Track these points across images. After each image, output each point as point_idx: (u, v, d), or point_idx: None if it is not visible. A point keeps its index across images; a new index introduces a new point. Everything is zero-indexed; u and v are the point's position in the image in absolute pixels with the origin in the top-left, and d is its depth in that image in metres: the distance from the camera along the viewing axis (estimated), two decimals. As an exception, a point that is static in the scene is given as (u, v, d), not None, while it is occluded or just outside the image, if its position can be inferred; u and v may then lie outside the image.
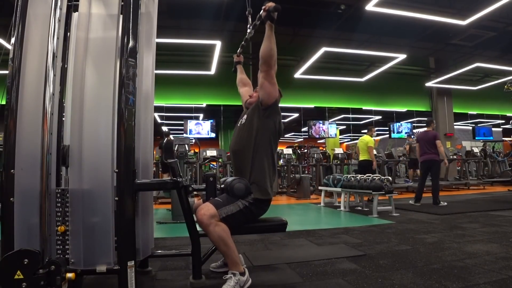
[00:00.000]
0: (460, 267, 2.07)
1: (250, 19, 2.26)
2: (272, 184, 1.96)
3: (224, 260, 2.07)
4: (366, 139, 6.38)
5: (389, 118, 12.22)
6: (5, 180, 1.46)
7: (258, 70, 1.95)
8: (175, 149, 5.78)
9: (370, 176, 4.76)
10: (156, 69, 2.14)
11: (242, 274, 1.74)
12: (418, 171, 9.26)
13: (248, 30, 2.23)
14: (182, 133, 9.86)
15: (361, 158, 6.46)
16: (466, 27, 7.52)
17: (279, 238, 3.13)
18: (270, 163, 1.96)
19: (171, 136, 7.34)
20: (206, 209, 1.74)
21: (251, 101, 2.11)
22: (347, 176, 5.36)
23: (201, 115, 12.24)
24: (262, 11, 1.85)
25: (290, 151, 9.89)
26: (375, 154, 6.59)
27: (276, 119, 2.00)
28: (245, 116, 2.07)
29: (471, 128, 12.58)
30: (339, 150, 9.30)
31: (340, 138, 17.97)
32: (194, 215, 1.85)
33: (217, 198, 1.85)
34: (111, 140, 1.59)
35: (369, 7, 6.31)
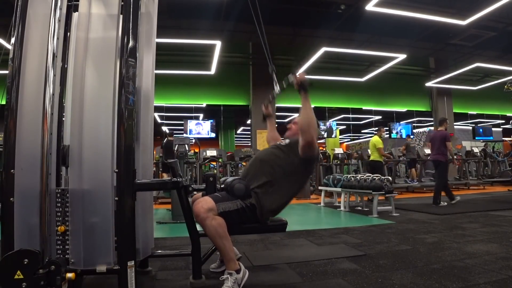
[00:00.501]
0: (460, 267, 2.07)
1: (274, 76, 2.24)
2: (274, 211, 1.96)
3: (221, 257, 2.07)
4: (373, 140, 6.54)
5: (389, 118, 12.23)
6: (5, 180, 1.46)
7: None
8: (175, 149, 5.78)
9: (370, 176, 4.77)
10: (156, 69, 2.14)
11: (238, 271, 1.73)
12: (415, 171, 9.29)
13: (276, 91, 2.20)
14: (182, 133, 9.87)
15: (371, 158, 6.62)
16: (466, 27, 7.52)
17: (279, 238, 3.13)
18: (286, 198, 1.98)
19: (173, 137, 7.34)
20: (204, 202, 1.74)
21: (291, 135, 2.18)
22: (347, 176, 5.36)
23: (201, 115, 12.24)
24: (293, 77, 1.90)
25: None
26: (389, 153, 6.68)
27: (310, 171, 2.07)
28: (287, 141, 2.10)
29: (471, 128, 12.58)
30: (339, 150, 9.29)
31: (340, 138, 17.96)
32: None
33: (217, 194, 1.86)
34: (111, 140, 1.59)
35: (369, 7, 6.31)
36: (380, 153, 6.42)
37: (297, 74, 1.89)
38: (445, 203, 5.34)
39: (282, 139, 2.19)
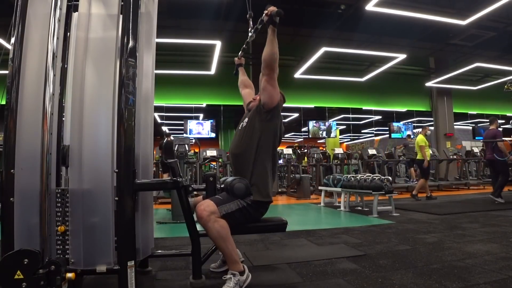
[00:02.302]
0: (460, 267, 2.07)
1: (251, 22, 2.24)
2: (272, 186, 1.96)
3: (222, 258, 2.07)
4: (417, 139, 6.69)
5: (389, 118, 12.23)
6: (5, 180, 1.46)
7: (260, 73, 1.95)
8: (175, 149, 5.78)
9: (370, 176, 4.77)
10: (156, 69, 2.13)
11: (242, 273, 1.74)
12: (415, 171, 9.30)
13: (250, 34, 2.21)
14: (182, 133, 9.87)
15: (417, 157, 6.74)
16: (466, 27, 7.52)
17: (279, 238, 3.13)
18: (271, 166, 1.96)
19: (172, 137, 7.34)
20: (206, 205, 1.74)
21: (253, 105, 2.11)
22: (347, 176, 5.36)
23: (201, 115, 12.24)
24: (264, 15, 1.84)
25: (290, 151, 9.90)
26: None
27: (278, 122, 2.00)
28: (246, 119, 2.07)
29: (471, 128, 12.58)
30: (339, 150, 9.29)
31: (340, 138, 17.97)
32: (194, 213, 1.85)
33: (217, 196, 1.86)
34: (111, 140, 1.59)
35: (369, 7, 6.31)
36: (421, 152, 6.45)
37: (268, 8, 1.82)
38: (503, 201, 5.31)
39: (242, 121, 2.14)
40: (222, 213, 1.75)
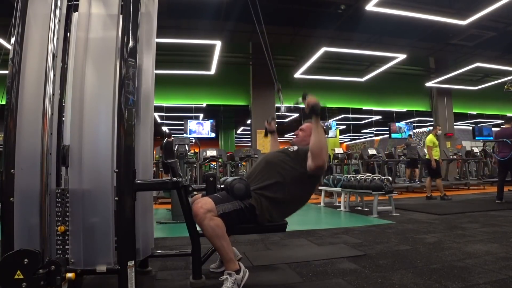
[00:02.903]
0: (460, 267, 2.07)
1: (281, 95, 2.25)
2: (273, 215, 1.94)
3: (221, 257, 2.07)
4: (426, 139, 6.58)
5: (389, 118, 12.23)
6: (5, 180, 1.46)
7: (295, 136, 2.02)
8: (175, 149, 5.78)
9: (370, 176, 4.76)
10: (156, 69, 2.13)
11: (238, 271, 1.73)
12: (417, 171, 9.29)
13: (281, 109, 2.23)
14: (182, 133, 9.87)
15: (426, 156, 6.68)
16: (466, 27, 7.52)
17: (279, 238, 3.13)
18: (289, 205, 1.99)
19: (172, 137, 7.33)
20: (203, 203, 1.73)
21: (297, 142, 2.18)
22: (347, 176, 5.36)
23: (201, 115, 12.24)
24: (304, 102, 1.88)
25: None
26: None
27: (316, 183, 2.07)
28: (296, 148, 2.10)
29: (471, 128, 12.58)
30: (339, 150, 9.29)
31: (340, 138, 17.96)
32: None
33: (217, 194, 1.85)
34: (111, 140, 1.59)
35: (369, 7, 6.31)
36: (428, 152, 6.39)
37: (308, 97, 1.88)
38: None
39: (291, 146, 2.17)
40: (220, 212, 1.74)
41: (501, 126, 5.75)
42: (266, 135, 2.55)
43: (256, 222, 1.87)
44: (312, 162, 1.89)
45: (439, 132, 6.69)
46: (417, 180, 8.73)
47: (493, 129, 12.29)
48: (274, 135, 2.53)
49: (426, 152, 6.59)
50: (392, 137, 11.71)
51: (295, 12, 7.87)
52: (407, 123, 12.11)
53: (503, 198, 5.40)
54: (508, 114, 13.09)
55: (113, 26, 1.68)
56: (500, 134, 5.65)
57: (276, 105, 2.30)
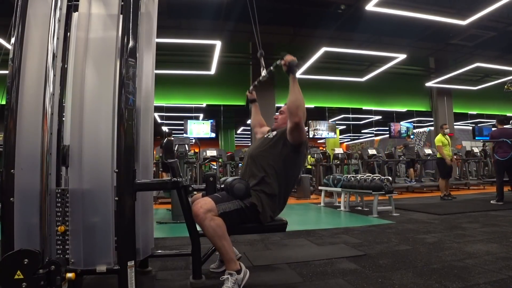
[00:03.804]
0: (460, 267, 2.07)
1: (262, 61, 2.21)
2: (275, 209, 1.95)
3: (221, 258, 2.07)
4: (435, 139, 6.59)
5: (389, 118, 12.24)
6: (5, 180, 1.46)
7: (288, 120, 1.93)
8: (175, 149, 5.78)
9: (370, 176, 4.77)
10: (156, 69, 2.13)
11: (239, 271, 1.73)
12: (411, 170, 9.27)
13: (262, 74, 2.17)
14: (182, 133, 9.87)
15: (437, 155, 6.68)
16: (466, 27, 7.52)
17: (279, 238, 3.13)
18: (284, 190, 1.97)
19: (172, 137, 7.33)
20: (203, 203, 1.73)
21: (277, 126, 2.15)
22: (347, 176, 5.36)
23: (201, 115, 12.25)
24: (282, 61, 1.85)
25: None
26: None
27: (300, 159, 2.04)
28: (274, 133, 2.09)
29: (471, 128, 12.58)
30: (339, 150, 9.29)
31: (340, 138, 17.97)
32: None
33: (217, 194, 1.85)
34: (111, 140, 1.59)
35: (369, 7, 6.31)
36: (439, 152, 6.38)
37: (285, 56, 1.84)
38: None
39: (270, 132, 2.17)
40: (220, 211, 1.74)
41: (493, 128, 5.71)
42: (247, 104, 2.55)
43: (258, 220, 1.87)
44: (289, 122, 1.89)
45: (447, 130, 6.64)
46: (413, 180, 8.72)
47: (493, 129, 12.30)
48: (255, 104, 2.53)
49: (437, 152, 6.54)
50: (392, 137, 11.70)
51: (295, 12, 7.86)
52: (408, 123, 12.11)
53: (504, 199, 5.39)
54: (509, 114, 13.12)
55: (113, 26, 1.69)
56: (499, 134, 5.65)
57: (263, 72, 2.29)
